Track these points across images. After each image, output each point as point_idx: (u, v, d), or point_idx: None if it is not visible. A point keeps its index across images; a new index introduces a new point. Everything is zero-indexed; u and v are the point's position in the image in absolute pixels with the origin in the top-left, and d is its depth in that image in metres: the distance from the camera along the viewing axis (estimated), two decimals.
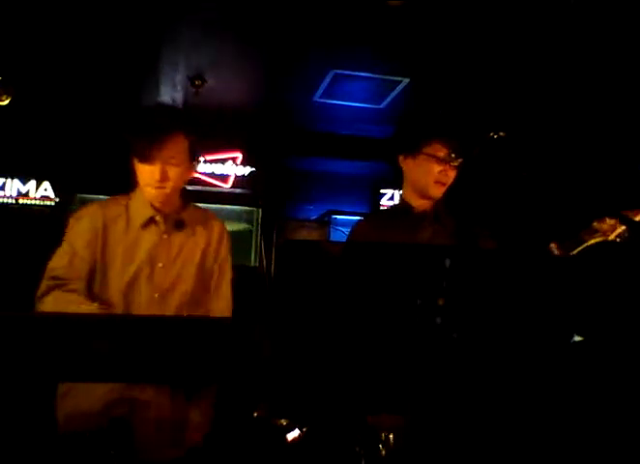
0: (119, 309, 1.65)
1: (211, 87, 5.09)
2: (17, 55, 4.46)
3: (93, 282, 1.69)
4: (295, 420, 1.38)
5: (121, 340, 1.00)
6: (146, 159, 1.62)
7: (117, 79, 4.92)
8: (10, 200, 6.14)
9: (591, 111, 4.81)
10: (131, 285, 1.67)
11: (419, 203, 1.90)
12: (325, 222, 6.65)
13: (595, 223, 1.86)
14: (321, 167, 6.79)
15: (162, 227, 1.72)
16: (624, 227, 1.81)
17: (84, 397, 1.60)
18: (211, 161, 6.60)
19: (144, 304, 1.67)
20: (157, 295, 1.68)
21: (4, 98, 4.66)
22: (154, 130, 1.63)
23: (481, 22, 3.75)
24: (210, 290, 1.79)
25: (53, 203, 6.17)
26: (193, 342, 1.04)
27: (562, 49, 4.02)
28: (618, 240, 1.84)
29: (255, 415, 1.45)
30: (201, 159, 6.54)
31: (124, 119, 1.78)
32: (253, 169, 6.70)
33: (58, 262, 1.66)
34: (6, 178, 6.14)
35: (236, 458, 1.59)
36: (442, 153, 1.82)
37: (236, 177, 6.69)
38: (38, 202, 6.17)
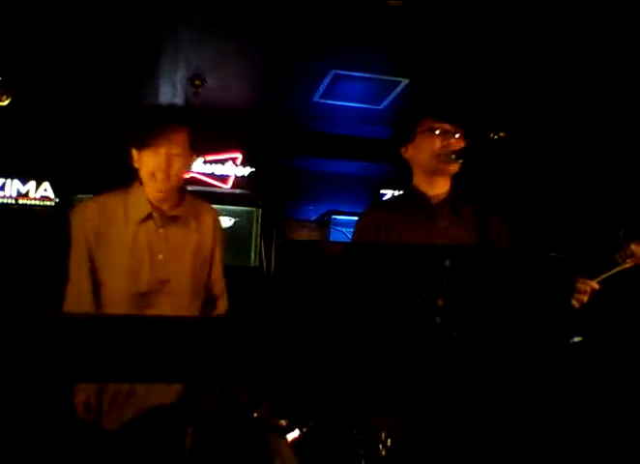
0: (122, 303, 1.72)
1: (211, 87, 5.09)
2: (17, 55, 4.46)
3: (96, 276, 1.77)
4: (295, 420, 1.38)
5: (121, 340, 1.00)
6: (153, 145, 1.70)
7: (117, 80, 4.92)
8: (10, 200, 6.14)
9: (591, 111, 4.81)
10: (134, 277, 1.74)
11: (432, 188, 1.85)
12: (325, 222, 6.64)
13: (632, 246, 1.81)
14: (321, 167, 6.79)
15: (159, 222, 1.81)
16: None
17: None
18: (211, 162, 6.59)
19: (146, 295, 1.74)
20: (159, 285, 1.76)
21: (4, 98, 4.66)
22: (165, 118, 1.73)
23: (481, 22, 3.75)
24: (208, 276, 1.91)
25: (53, 203, 6.16)
26: (193, 342, 1.04)
27: (562, 49, 4.02)
28: None
29: (255, 415, 1.45)
30: (200, 159, 6.55)
31: (126, 117, 1.84)
32: (253, 170, 6.70)
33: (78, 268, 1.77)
34: (6, 178, 6.14)
35: (236, 458, 1.59)
36: (436, 125, 1.80)
37: (236, 177, 6.69)
38: (38, 202, 6.17)
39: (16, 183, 6.18)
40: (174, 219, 1.84)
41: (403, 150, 1.90)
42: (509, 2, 3.48)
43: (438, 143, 1.79)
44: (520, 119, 4.97)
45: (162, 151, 1.72)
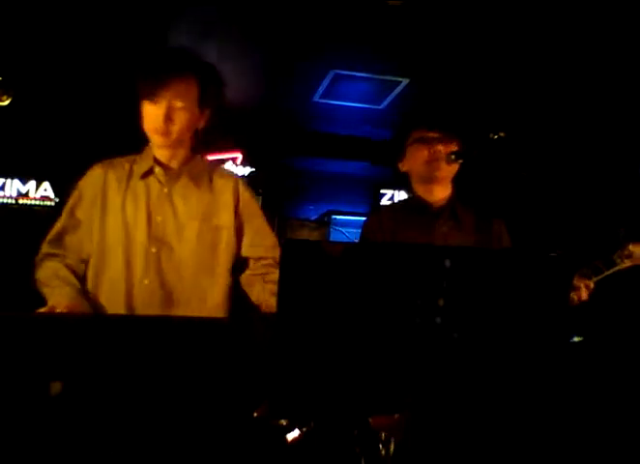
0: (117, 265, 1.58)
1: None
2: (17, 55, 4.46)
3: (91, 242, 1.63)
4: (295, 420, 1.38)
5: (120, 340, 1.00)
6: (151, 98, 1.55)
7: (117, 79, 4.92)
8: (10, 200, 6.14)
9: (591, 112, 4.81)
10: (128, 238, 1.59)
11: (431, 195, 1.89)
12: (325, 222, 6.64)
13: (630, 246, 1.82)
14: (321, 167, 6.79)
15: (163, 179, 1.65)
16: None
17: None
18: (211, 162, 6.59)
19: (141, 261, 1.58)
20: (154, 250, 1.59)
21: (4, 98, 4.66)
22: (161, 67, 1.58)
23: (481, 22, 3.75)
24: (218, 252, 1.66)
25: (53, 203, 6.17)
26: (193, 342, 1.04)
27: (562, 49, 4.01)
28: None
29: (255, 415, 1.45)
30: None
31: (125, 117, 1.75)
32: (253, 169, 6.70)
33: (57, 231, 1.64)
34: (6, 178, 6.14)
35: (236, 458, 1.59)
36: (422, 135, 1.85)
37: None
38: (38, 202, 6.17)
39: (16, 183, 6.18)
40: (179, 177, 1.65)
41: (400, 166, 1.96)
42: (508, 2, 3.48)
43: (425, 151, 1.83)
44: (520, 119, 4.97)
45: (163, 102, 1.55)
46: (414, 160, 1.88)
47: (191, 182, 1.66)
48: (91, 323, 1.04)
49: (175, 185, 1.65)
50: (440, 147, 1.82)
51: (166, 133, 1.57)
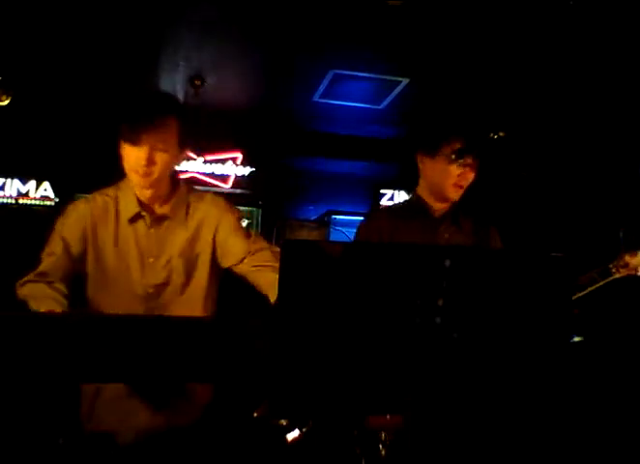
0: (123, 309, 1.63)
1: (211, 87, 5.09)
2: (17, 55, 4.46)
3: (86, 281, 1.67)
4: (295, 420, 1.38)
5: (119, 340, 1.00)
6: (134, 141, 1.56)
7: (117, 79, 4.92)
8: (10, 200, 6.15)
9: (591, 112, 4.81)
10: (125, 281, 1.65)
11: (436, 204, 1.87)
12: (325, 222, 6.64)
13: (626, 257, 1.82)
14: (321, 167, 6.80)
15: (148, 221, 1.69)
16: None
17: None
18: (211, 162, 6.59)
19: (139, 301, 1.64)
20: (151, 290, 1.66)
21: (4, 98, 4.66)
22: (144, 112, 1.59)
23: (481, 22, 3.75)
24: (215, 279, 1.74)
25: (53, 203, 6.17)
26: (193, 342, 1.04)
27: (562, 50, 4.02)
28: None
29: (255, 415, 1.45)
30: (200, 158, 6.54)
31: (117, 106, 1.74)
32: (253, 169, 6.70)
33: (48, 261, 1.66)
34: (6, 178, 6.15)
35: (236, 458, 1.59)
36: (460, 154, 1.77)
37: (236, 177, 6.69)
38: (38, 202, 6.18)
39: (16, 183, 6.18)
40: (163, 219, 1.70)
41: (420, 157, 1.88)
42: (508, 2, 3.48)
43: (455, 173, 1.78)
44: (520, 119, 4.97)
45: (145, 145, 1.56)
46: (438, 174, 1.82)
47: (174, 221, 1.72)
48: (91, 323, 1.04)
49: (161, 227, 1.71)
50: (469, 175, 1.79)
51: (147, 175, 1.60)
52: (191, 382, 1.59)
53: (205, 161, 6.55)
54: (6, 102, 4.67)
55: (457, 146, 1.78)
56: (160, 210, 1.70)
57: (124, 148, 1.60)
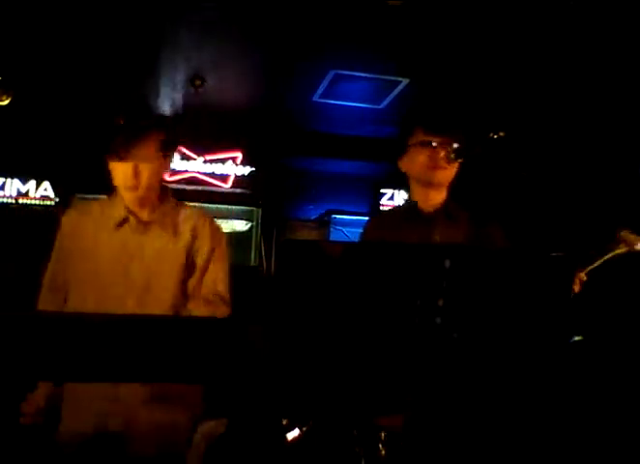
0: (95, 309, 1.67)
1: (211, 87, 5.09)
2: (17, 55, 4.46)
3: (69, 286, 1.74)
4: (295, 419, 1.38)
5: (119, 340, 1.00)
6: (119, 158, 1.65)
7: (117, 80, 4.92)
8: (10, 200, 6.15)
9: (591, 112, 4.81)
10: (107, 286, 1.69)
11: (427, 199, 1.89)
12: (325, 222, 6.65)
13: (622, 233, 1.82)
14: (321, 167, 6.80)
15: (134, 227, 1.74)
16: None
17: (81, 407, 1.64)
18: (211, 161, 6.59)
19: (121, 307, 1.67)
20: (133, 296, 1.69)
21: (4, 98, 4.66)
22: (124, 131, 1.65)
23: (481, 22, 3.75)
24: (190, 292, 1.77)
25: (53, 203, 6.17)
26: (193, 342, 1.04)
27: (562, 49, 4.02)
28: None
29: (255, 415, 1.45)
30: (200, 158, 6.55)
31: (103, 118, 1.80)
32: (253, 169, 6.71)
33: (48, 276, 1.77)
34: (6, 178, 6.14)
35: (236, 458, 1.59)
36: (426, 139, 1.83)
37: (236, 177, 6.69)
38: (38, 202, 6.18)
39: (16, 182, 6.18)
40: (149, 225, 1.75)
41: (399, 163, 1.94)
42: (508, 2, 3.48)
43: (426, 156, 1.82)
44: (520, 119, 4.97)
45: (130, 162, 1.65)
46: (414, 163, 1.87)
47: (160, 229, 1.77)
48: (86, 323, 1.04)
49: (147, 234, 1.75)
50: (442, 153, 1.81)
51: (135, 188, 1.68)
52: (189, 383, 1.59)
53: (205, 161, 6.55)
54: (6, 102, 4.67)
55: (420, 134, 1.84)
56: (147, 217, 1.76)
57: (110, 164, 1.69)
